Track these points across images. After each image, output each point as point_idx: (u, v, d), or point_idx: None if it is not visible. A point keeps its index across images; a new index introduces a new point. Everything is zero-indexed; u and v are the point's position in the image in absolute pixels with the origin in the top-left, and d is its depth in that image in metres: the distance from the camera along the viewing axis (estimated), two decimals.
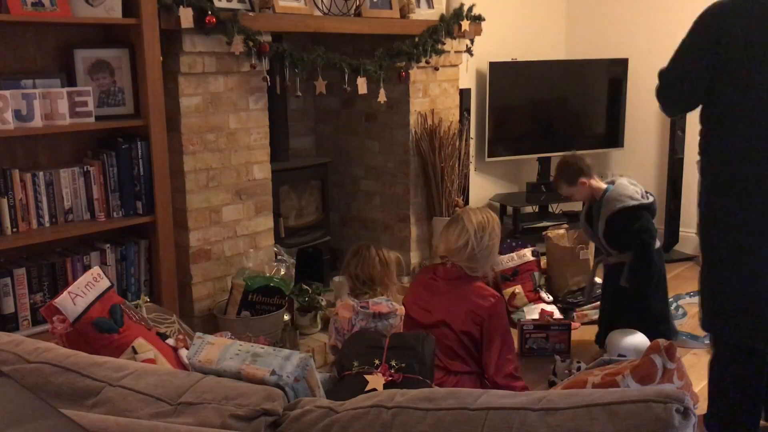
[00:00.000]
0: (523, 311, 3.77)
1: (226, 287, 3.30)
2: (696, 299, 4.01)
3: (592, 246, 4.02)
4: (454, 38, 4.01)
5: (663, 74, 2.49)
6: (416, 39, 3.80)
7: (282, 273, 3.30)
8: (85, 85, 2.85)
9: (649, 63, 4.95)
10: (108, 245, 2.96)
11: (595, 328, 3.49)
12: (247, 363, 1.47)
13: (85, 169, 2.89)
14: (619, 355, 2.92)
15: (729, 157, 2.29)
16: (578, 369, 2.95)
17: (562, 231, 4.12)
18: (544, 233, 4.12)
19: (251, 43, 3.12)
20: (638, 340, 3.10)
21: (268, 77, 3.27)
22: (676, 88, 2.45)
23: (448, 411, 1.19)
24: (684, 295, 4.09)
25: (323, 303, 3.56)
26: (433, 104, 4.06)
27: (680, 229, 4.87)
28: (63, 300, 1.98)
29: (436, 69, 4.00)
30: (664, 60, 2.50)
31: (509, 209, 4.80)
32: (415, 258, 4.13)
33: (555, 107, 4.98)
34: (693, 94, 2.38)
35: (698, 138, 2.40)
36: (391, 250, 3.09)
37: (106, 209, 2.93)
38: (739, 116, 2.25)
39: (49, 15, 2.65)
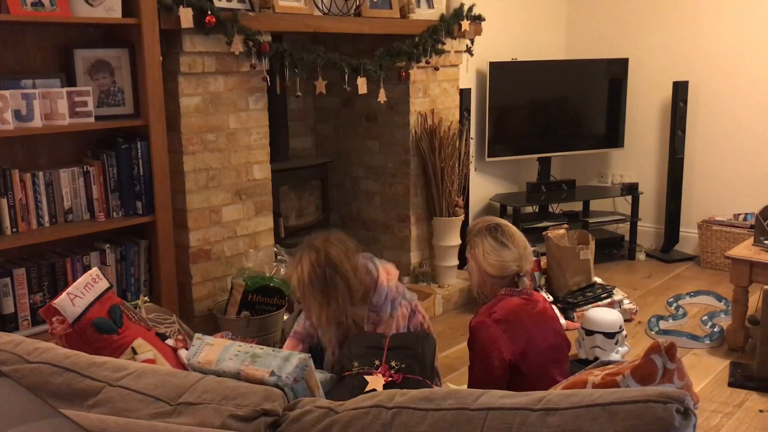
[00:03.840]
0: None
1: (226, 287, 3.30)
2: (696, 299, 4.06)
3: (592, 246, 4.03)
4: (454, 38, 4.00)
5: None
6: (416, 39, 3.79)
7: (282, 273, 3.30)
8: (85, 85, 2.85)
9: (649, 63, 4.96)
10: (108, 245, 2.96)
11: None
12: (246, 364, 1.47)
13: (85, 169, 2.89)
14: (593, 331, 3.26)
15: None
16: None
17: (562, 231, 4.12)
18: (544, 233, 4.12)
19: (251, 43, 3.12)
20: (612, 316, 3.29)
21: (268, 77, 3.26)
22: None
23: (448, 411, 1.19)
24: (684, 295, 4.09)
25: None
26: (433, 104, 4.06)
27: (680, 229, 4.87)
28: (62, 301, 1.98)
29: (436, 69, 4.00)
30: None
31: (509, 209, 4.80)
32: (415, 258, 4.13)
33: (555, 107, 4.97)
34: None
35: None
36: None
37: (106, 209, 2.93)
38: None
39: (49, 15, 2.65)
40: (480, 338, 2.43)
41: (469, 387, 2.51)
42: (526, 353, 2.40)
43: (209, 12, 2.94)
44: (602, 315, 3.29)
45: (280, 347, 2.68)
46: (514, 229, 2.60)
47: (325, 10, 3.51)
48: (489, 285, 2.55)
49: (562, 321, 3.74)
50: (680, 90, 4.65)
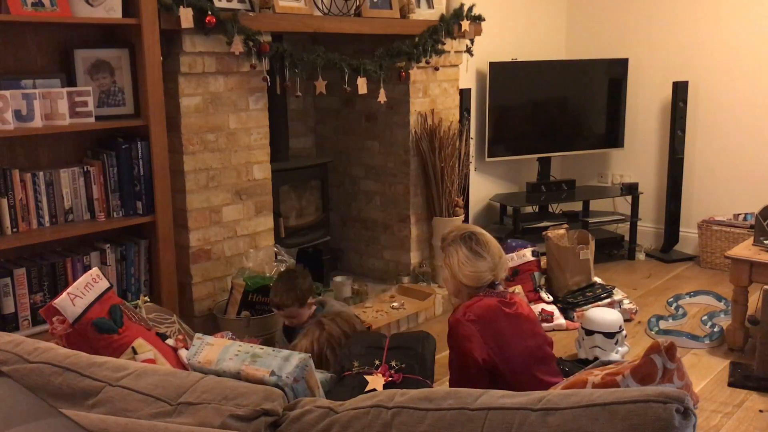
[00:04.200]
0: None
1: (226, 287, 3.30)
2: (696, 299, 4.05)
3: (592, 246, 4.03)
4: (454, 38, 4.00)
5: None
6: (416, 39, 3.79)
7: None
8: (85, 85, 2.85)
9: (649, 63, 4.96)
10: (108, 245, 2.96)
11: None
12: (246, 364, 1.47)
13: (85, 169, 2.89)
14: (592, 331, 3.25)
15: None
16: None
17: (562, 231, 4.12)
18: (544, 233, 4.12)
19: (251, 43, 3.12)
20: (612, 316, 3.29)
21: (268, 77, 3.26)
22: None
23: (448, 411, 1.19)
24: (684, 295, 4.09)
25: None
26: (433, 104, 4.06)
27: (680, 229, 4.87)
28: (62, 301, 1.98)
29: (436, 69, 4.00)
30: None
31: (509, 209, 4.80)
32: (415, 258, 4.13)
33: (555, 107, 4.97)
34: None
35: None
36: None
37: (106, 209, 2.93)
38: None
39: (49, 15, 2.65)
40: (456, 336, 2.46)
41: (449, 384, 2.56)
42: (501, 354, 2.41)
43: (209, 12, 2.94)
44: (602, 315, 3.29)
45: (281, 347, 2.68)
46: (488, 237, 2.60)
47: (325, 10, 3.51)
48: (465, 293, 2.56)
49: (561, 321, 3.75)
50: (680, 90, 4.65)
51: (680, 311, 3.86)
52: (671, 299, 4.04)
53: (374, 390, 2.04)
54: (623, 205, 5.02)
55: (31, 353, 1.47)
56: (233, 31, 3.01)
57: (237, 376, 1.45)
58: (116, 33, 2.96)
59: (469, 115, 4.51)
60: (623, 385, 1.43)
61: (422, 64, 3.87)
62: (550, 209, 5.04)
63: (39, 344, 1.51)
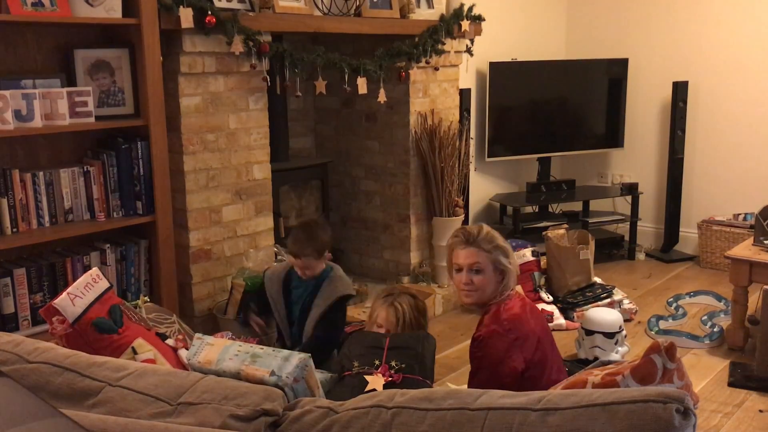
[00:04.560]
0: None
1: (226, 287, 3.30)
2: (696, 299, 4.05)
3: (592, 246, 4.03)
4: (454, 38, 4.00)
5: None
6: (416, 39, 3.79)
7: None
8: (85, 85, 2.85)
9: (649, 63, 4.96)
10: (108, 245, 2.96)
11: None
12: (246, 364, 1.47)
13: (85, 169, 2.89)
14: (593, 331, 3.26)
15: None
16: None
17: (562, 231, 4.12)
18: (544, 233, 4.12)
19: (251, 43, 3.12)
20: (612, 316, 3.30)
21: (268, 77, 3.27)
22: None
23: (448, 411, 1.19)
24: (684, 295, 4.09)
25: None
26: (433, 104, 4.06)
27: (680, 229, 4.87)
28: (62, 301, 1.98)
29: (436, 69, 4.00)
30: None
31: (509, 209, 4.80)
32: (415, 258, 4.13)
33: (555, 107, 4.97)
34: None
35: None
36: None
37: (106, 209, 2.93)
38: None
39: (49, 15, 2.65)
40: (491, 348, 2.36)
41: None
42: (541, 350, 2.40)
43: (209, 12, 2.94)
44: (602, 315, 3.29)
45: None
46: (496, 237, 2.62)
47: (325, 10, 3.51)
48: (500, 295, 2.48)
49: (561, 321, 3.75)
50: (680, 90, 4.65)
51: (680, 311, 3.86)
52: (671, 299, 4.04)
53: (374, 390, 2.04)
54: (623, 205, 5.02)
55: (31, 353, 1.47)
56: (233, 31, 3.02)
57: (237, 376, 1.45)
58: (116, 33, 2.96)
59: (469, 115, 4.51)
60: (623, 385, 1.43)
61: (422, 64, 3.87)
62: (550, 209, 5.04)
63: (39, 344, 1.51)
